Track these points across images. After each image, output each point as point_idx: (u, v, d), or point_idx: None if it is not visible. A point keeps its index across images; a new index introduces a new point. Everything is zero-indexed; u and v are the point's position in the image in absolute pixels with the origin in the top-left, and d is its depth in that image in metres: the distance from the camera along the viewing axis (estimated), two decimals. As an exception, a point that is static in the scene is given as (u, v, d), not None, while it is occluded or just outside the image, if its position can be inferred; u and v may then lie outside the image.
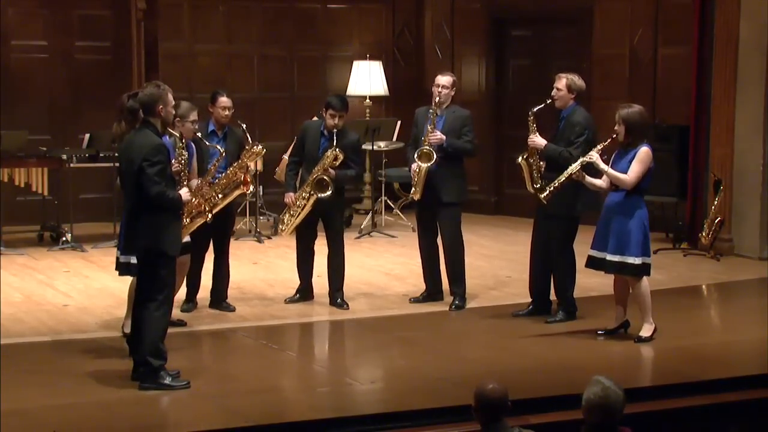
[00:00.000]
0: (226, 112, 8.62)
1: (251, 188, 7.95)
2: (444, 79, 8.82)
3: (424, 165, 8.68)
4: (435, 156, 8.65)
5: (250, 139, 8.38)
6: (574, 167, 7.84)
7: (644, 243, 7.80)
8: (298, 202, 8.79)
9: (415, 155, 8.70)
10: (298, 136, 9.06)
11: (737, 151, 11.09)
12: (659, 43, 12.19)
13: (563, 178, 7.88)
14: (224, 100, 8.65)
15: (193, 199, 7.82)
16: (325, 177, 8.65)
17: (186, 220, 7.69)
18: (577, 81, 8.33)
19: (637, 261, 7.75)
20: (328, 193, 8.65)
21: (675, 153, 11.57)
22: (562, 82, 8.30)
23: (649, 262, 7.84)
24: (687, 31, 11.55)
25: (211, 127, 8.57)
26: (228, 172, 8.29)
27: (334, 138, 8.70)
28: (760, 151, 10.95)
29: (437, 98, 8.75)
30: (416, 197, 8.80)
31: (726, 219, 11.06)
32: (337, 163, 8.68)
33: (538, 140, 8.28)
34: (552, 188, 7.95)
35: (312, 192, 8.68)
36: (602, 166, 7.79)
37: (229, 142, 8.54)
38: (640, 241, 7.76)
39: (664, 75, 12.17)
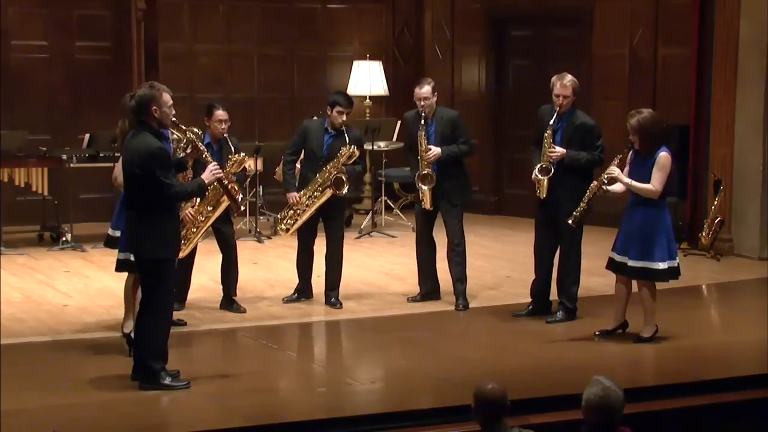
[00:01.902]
0: (223, 126, 8.51)
1: (240, 197, 7.97)
2: (424, 91, 8.73)
3: (426, 187, 8.71)
4: (435, 177, 8.68)
5: (233, 148, 8.33)
6: (596, 186, 7.77)
7: (669, 246, 7.77)
8: (303, 200, 8.79)
9: (417, 179, 8.74)
10: (297, 134, 9.03)
11: (737, 151, 11.09)
12: (659, 43, 12.19)
13: (587, 199, 7.82)
14: (220, 114, 8.52)
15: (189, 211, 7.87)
16: (342, 176, 8.68)
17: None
18: (576, 81, 8.32)
19: (662, 266, 7.71)
20: (346, 190, 8.70)
21: (675, 153, 11.46)
22: (568, 89, 8.20)
23: (676, 264, 7.82)
24: (687, 31, 11.55)
25: (207, 140, 8.35)
26: (206, 155, 8.14)
27: (346, 135, 8.74)
28: (760, 151, 10.95)
29: (422, 111, 8.73)
30: (428, 207, 8.81)
31: (726, 219, 11.06)
32: (351, 161, 8.72)
33: (560, 151, 8.20)
34: (579, 213, 7.86)
35: (330, 190, 8.69)
36: (625, 180, 7.68)
37: (224, 154, 8.42)
38: (664, 246, 7.72)
39: (664, 75, 12.16)
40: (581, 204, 7.85)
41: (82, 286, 9.63)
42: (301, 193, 8.82)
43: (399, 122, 12.52)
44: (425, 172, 8.73)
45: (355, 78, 13.71)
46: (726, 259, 10.93)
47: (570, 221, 7.92)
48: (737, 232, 11.16)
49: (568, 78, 8.25)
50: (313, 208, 8.79)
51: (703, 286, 10.11)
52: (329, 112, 8.78)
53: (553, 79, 8.31)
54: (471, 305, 8.93)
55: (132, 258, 7.23)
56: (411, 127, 8.93)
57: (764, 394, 6.87)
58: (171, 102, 6.80)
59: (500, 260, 10.79)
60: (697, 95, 11.40)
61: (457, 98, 13.10)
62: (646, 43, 12.28)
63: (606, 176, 7.75)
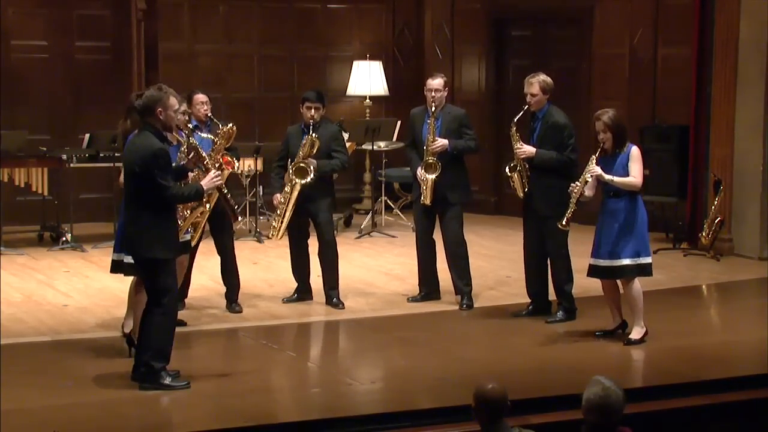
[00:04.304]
0: (205, 107, 8.60)
1: (236, 165, 7.98)
2: (436, 83, 8.78)
3: (431, 176, 8.70)
4: (440, 166, 8.66)
5: (220, 125, 8.34)
6: (581, 186, 7.77)
7: (648, 242, 7.83)
8: (282, 199, 8.79)
9: (422, 167, 8.73)
10: (283, 142, 9.07)
11: (737, 151, 11.09)
12: (659, 43, 12.19)
13: (575, 199, 7.79)
14: (200, 96, 8.63)
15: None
16: (302, 164, 8.66)
17: (186, 212, 7.67)
18: (548, 81, 8.38)
19: (649, 260, 7.78)
20: (309, 178, 8.65)
21: (675, 153, 11.57)
22: (534, 86, 8.32)
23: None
24: (687, 31, 11.55)
25: (194, 123, 8.48)
26: (207, 161, 8.14)
27: (310, 128, 8.72)
28: (760, 151, 10.95)
29: (432, 103, 8.73)
30: (427, 202, 8.81)
31: (726, 219, 11.05)
32: (314, 150, 8.69)
33: (527, 149, 8.29)
34: (569, 214, 7.84)
35: (294, 181, 8.69)
36: (606, 177, 7.70)
37: (213, 133, 8.48)
38: (647, 241, 7.80)
39: (664, 75, 12.17)
40: (570, 205, 7.84)
41: (82, 286, 9.63)
42: (282, 193, 8.82)
43: (399, 122, 12.52)
44: (430, 160, 8.72)
45: (355, 78, 13.71)
46: (726, 259, 10.93)
47: (561, 224, 7.92)
48: (737, 232, 11.16)
49: (538, 77, 8.36)
50: (290, 205, 8.77)
51: (703, 286, 10.11)
52: (301, 110, 8.81)
53: (526, 78, 8.43)
54: (471, 305, 8.95)
55: (124, 260, 7.27)
56: (417, 122, 8.91)
57: (764, 394, 6.87)
58: (177, 106, 6.85)
59: (500, 260, 10.79)
60: (697, 95, 11.40)
61: (457, 98, 13.08)
62: (646, 43, 12.28)
63: (589, 174, 7.76)
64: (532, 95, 8.33)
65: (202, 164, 7.21)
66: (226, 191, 7.35)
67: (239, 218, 7.33)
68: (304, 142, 8.70)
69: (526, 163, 8.38)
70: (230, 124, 8.32)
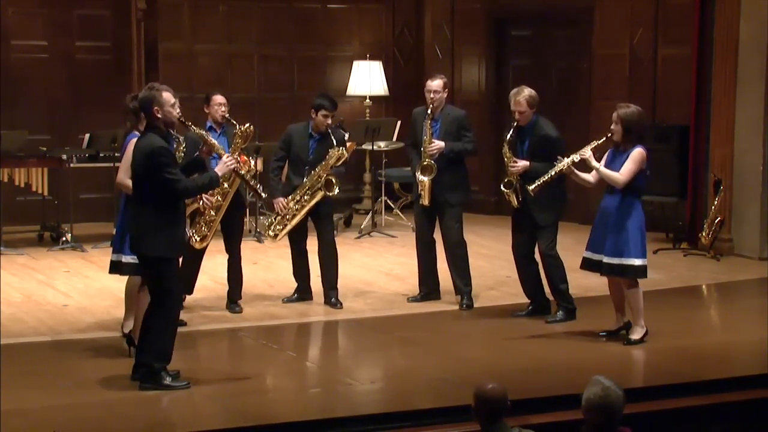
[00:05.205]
0: (223, 109, 8.60)
1: (252, 164, 8.06)
2: (435, 84, 8.77)
3: (427, 178, 8.70)
4: (435, 169, 8.66)
5: (238, 125, 8.32)
6: (565, 163, 7.83)
7: (643, 244, 7.80)
8: (291, 205, 8.78)
9: (418, 170, 8.73)
10: (282, 140, 9.02)
11: (737, 151, 11.09)
12: (659, 43, 12.18)
13: (553, 173, 7.87)
14: (218, 98, 8.64)
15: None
16: (332, 178, 8.68)
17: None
18: (534, 94, 8.33)
19: (638, 262, 7.73)
20: (337, 190, 8.69)
21: (675, 153, 11.57)
22: (522, 104, 8.27)
23: (646, 263, 7.83)
24: (687, 31, 11.55)
25: (209, 125, 8.57)
26: (218, 147, 8.10)
27: (332, 138, 8.73)
28: (760, 151, 10.95)
29: (431, 104, 8.73)
30: (425, 203, 8.81)
31: (726, 219, 11.06)
32: (340, 163, 8.71)
33: (521, 164, 8.29)
34: (541, 182, 7.93)
35: (320, 192, 8.68)
36: (594, 163, 7.77)
37: (229, 135, 8.48)
38: (639, 243, 7.75)
39: (664, 75, 12.17)
40: (546, 176, 7.90)
41: (82, 286, 9.63)
42: (289, 198, 8.81)
43: (399, 122, 12.52)
44: (426, 162, 8.72)
45: (355, 78, 13.71)
46: (726, 259, 10.93)
47: (530, 188, 7.97)
48: (737, 232, 11.16)
49: (523, 93, 8.29)
50: (303, 212, 8.78)
51: (703, 286, 10.12)
52: (313, 116, 8.77)
53: (511, 93, 8.38)
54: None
55: (122, 259, 7.28)
56: (418, 122, 8.90)
57: (764, 394, 6.87)
58: (173, 101, 6.77)
59: (500, 260, 10.77)
60: (697, 95, 11.40)
61: (457, 98, 13.09)
62: (646, 43, 12.28)
63: (578, 155, 7.80)
64: (521, 112, 8.29)
65: (214, 150, 7.22)
66: (243, 172, 7.33)
67: (263, 195, 7.40)
68: (332, 153, 8.70)
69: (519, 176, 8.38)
70: (248, 125, 8.32)
